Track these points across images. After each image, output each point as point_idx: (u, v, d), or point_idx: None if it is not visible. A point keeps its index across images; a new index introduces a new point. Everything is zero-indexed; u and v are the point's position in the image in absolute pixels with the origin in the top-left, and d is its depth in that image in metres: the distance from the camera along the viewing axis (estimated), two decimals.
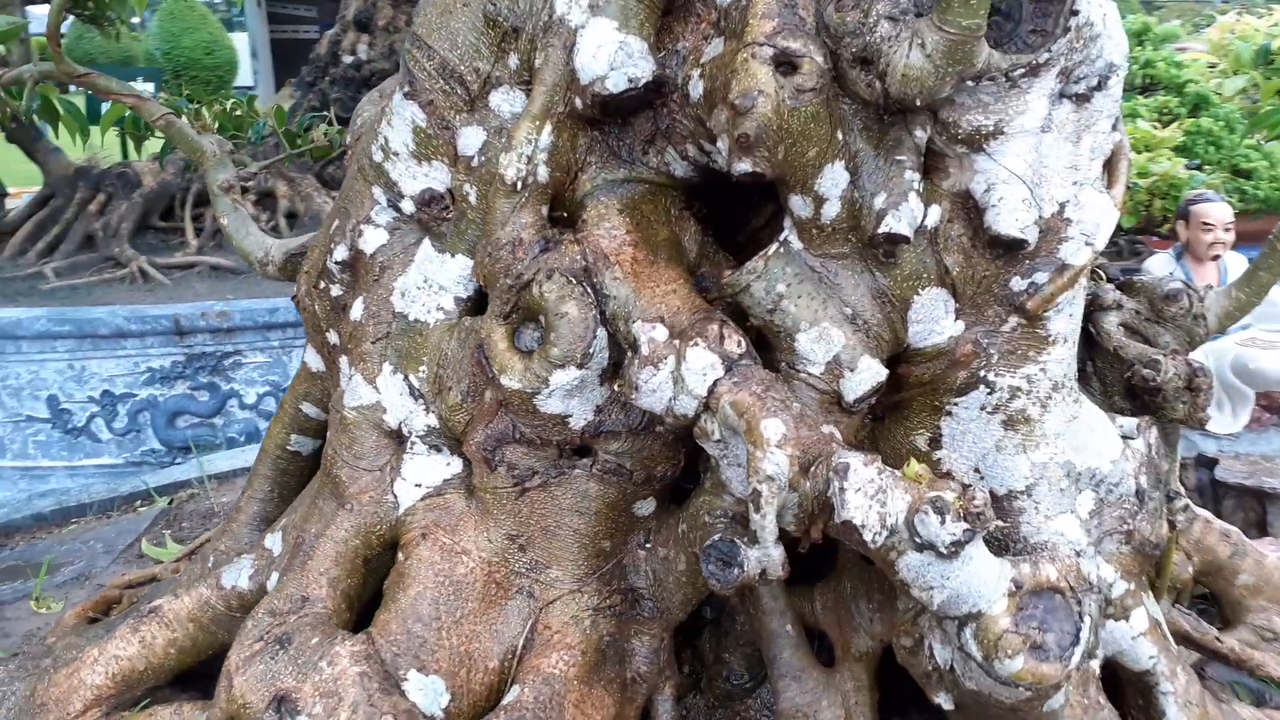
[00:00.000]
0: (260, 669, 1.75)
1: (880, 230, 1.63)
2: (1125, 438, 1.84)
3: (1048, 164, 1.67)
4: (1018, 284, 1.71)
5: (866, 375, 1.68)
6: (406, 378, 1.93)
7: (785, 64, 1.60)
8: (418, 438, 1.93)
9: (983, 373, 1.74)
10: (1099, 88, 1.65)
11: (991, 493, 1.78)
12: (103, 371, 5.44)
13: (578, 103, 1.76)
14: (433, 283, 1.93)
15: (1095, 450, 1.79)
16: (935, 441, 1.81)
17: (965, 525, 1.48)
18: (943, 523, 1.48)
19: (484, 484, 1.86)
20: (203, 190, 6.84)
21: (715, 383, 1.60)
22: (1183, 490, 2.43)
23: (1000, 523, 1.78)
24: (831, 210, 1.68)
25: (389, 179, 1.94)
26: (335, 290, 2.06)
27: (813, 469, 1.57)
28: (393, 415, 1.95)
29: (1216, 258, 3.29)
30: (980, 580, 1.52)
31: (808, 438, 1.61)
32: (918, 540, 1.50)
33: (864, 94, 1.62)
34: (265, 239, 2.58)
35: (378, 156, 1.96)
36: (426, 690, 1.73)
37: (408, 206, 1.94)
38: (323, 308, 2.08)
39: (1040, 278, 1.70)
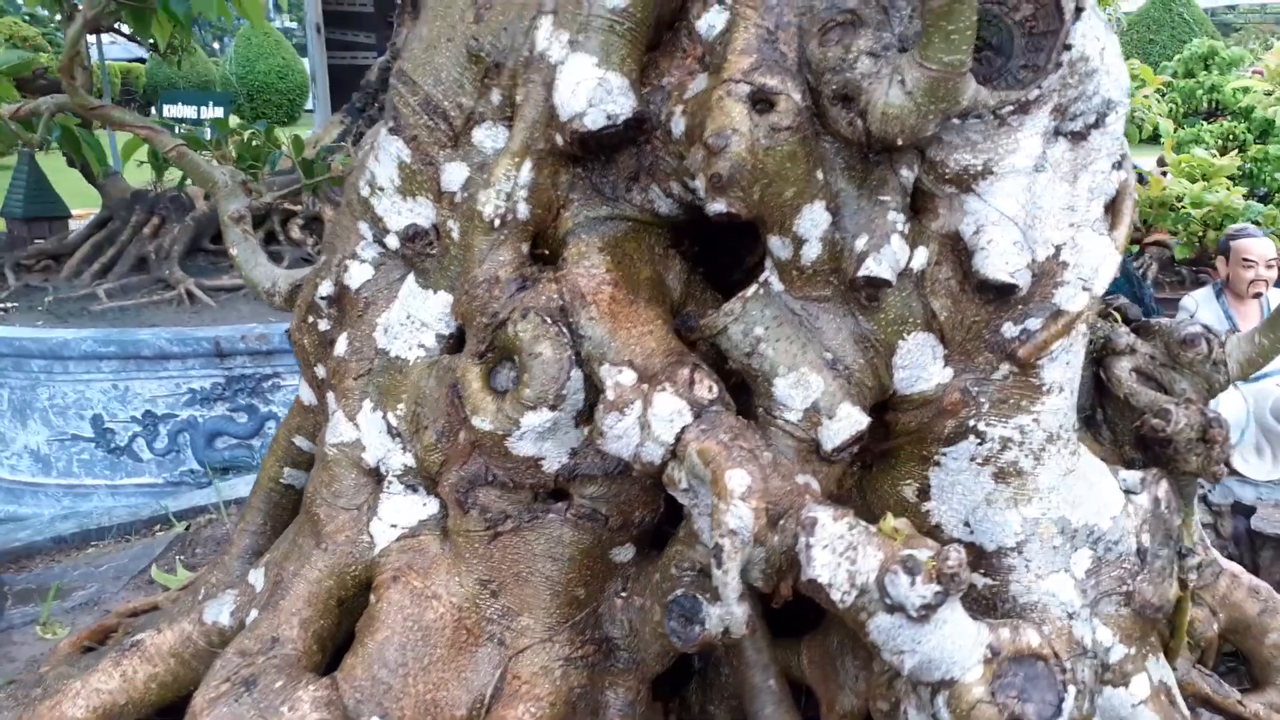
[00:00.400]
0: (224, 711, 1.72)
1: (860, 273, 1.57)
2: (1128, 492, 1.74)
3: (1042, 205, 1.59)
4: (1010, 330, 1.63)
5: (846, 423, 1.61)
6: (385, 416, 1.90)
7: (762, 101, 1.54)
8: (395, 477, 1.90)
9: (972, 422, 1.66)
10: (1096, 125, 1.57)
11: (981, 549, 1.70)
12: (145, 392, 5.53)
13: (558, 139, 1.72)
14: (415, 319, 1.90)
15: (1094, 506, 1.69)
16: (924, 492, 1.73)
17: (937, 587, 1.40)
18: (913, 584, 1.40)
19: (457, 527, 1.82)
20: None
21: (683, 429, 1.54)
22: (1205, 543, 2.30)
23: (989, 581, 1.69)
24: (812, 252, 1.61)
25: (375, 214, 1.93)
26: (323, 325, 2.04)
27: (781, 522, 1.50)
28: (371, 454, 1.92)
29: (1258, 295, 3.14)
30: (954, 645, 1.44)
31: (779, 489, 1.54)
32: (888, 601, 1.43)
33: (846, 133, 1.56)
34: (273, 269, 2.58)
35: (364, 191, 1.94)
36: None
37: (392, 242, 1.92)
38: (311, 342, 2.07)
39: (1033, 324, 1.62)
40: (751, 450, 1.52)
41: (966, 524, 1.71)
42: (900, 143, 1.52)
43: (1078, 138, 1.57)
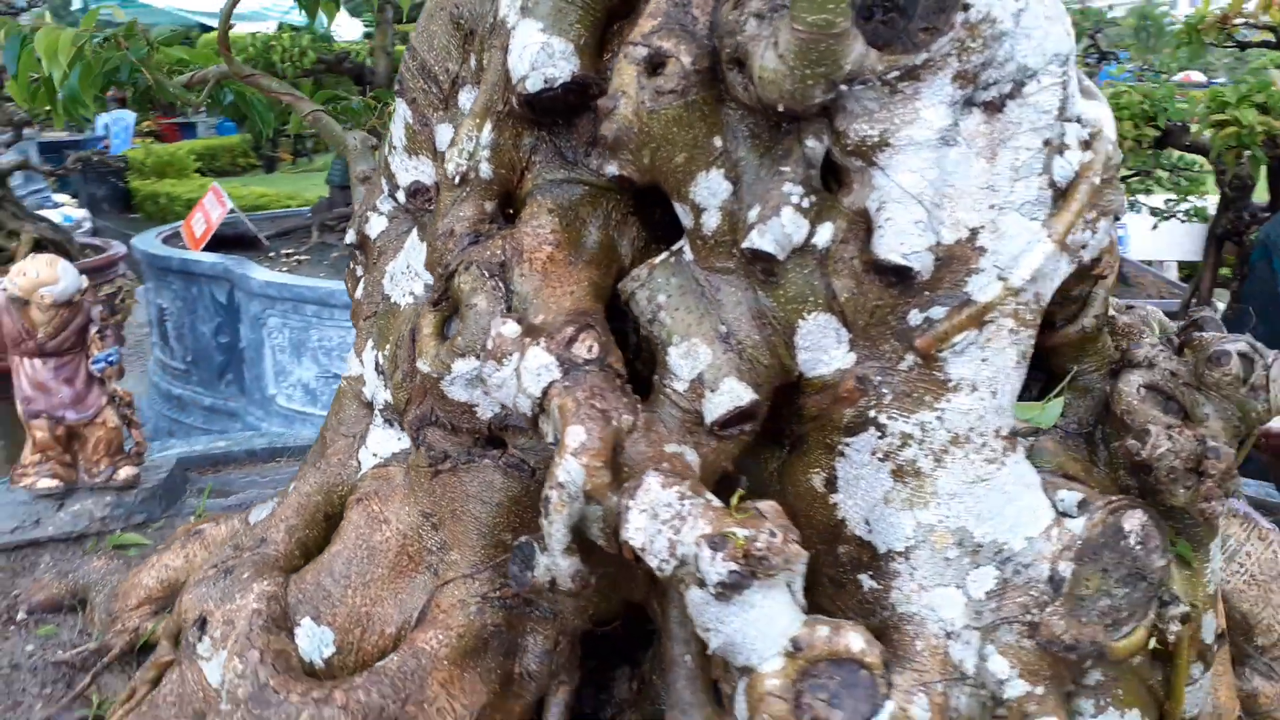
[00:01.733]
0: (203, 591, 1.98)
1: (744, 245, 1.52)
2: (1065, 514, 1.55)
3: (955, 183, 1.45)
4: (915, 318, 1.51)
5: (726, 398, 1.56)
6: (378, 355, 2.08)
7: (659, 64, 1.54)
8: (379, 411, 2.07)
9: (873, 413, 1.55)
10: (1012, 95, 1.42)
11: (874, 549, 1.58)
12: None
13: (514, 102, 1.80)
14: (412, 269, 2.06)
15: (1007, 522, 1.52)
16: (831, 484, 1.64)
17: (735, 566, 1.34)
18: (713, 560, 1.36)
19: (413, 461, 1.96)
20: None
21: (550, 384, 1.58)
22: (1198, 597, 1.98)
23: (874, 585, 1.58)
24: (711, 221, 1.58)
25: (390, 170, 2.11)
26: (358, 271, 2.26)
27: (627, 484, 1.50)
28: (368, 388, 2.12)
29: None
30: (757, 632, 1.37)
31: (641, 454, 1.54)
32: (698, 576, 1.39)
33: (743, 98, 1.52)
34: None
35: (385, 150, 2.13)
36: (313, 638, 1.86)
37: (401, 197, 2.09)
38: (350, 286, 2.30)
39: (937, 313, 1.49)
40: (604, 411, 1.53)
41: (867, 521, 1.60)
42: (782, 108, 1.45)
43: (992, 109, 1.42)
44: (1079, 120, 1.51)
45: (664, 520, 1.43)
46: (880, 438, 1.55)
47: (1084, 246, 1.56)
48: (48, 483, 3.07)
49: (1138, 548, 1.57)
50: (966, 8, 1.36)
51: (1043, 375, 1.86)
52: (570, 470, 1.47)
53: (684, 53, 1.52)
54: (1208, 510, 1.59)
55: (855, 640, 1.37)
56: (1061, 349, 1.80)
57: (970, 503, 1.52)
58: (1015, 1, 1.38)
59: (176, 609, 2.04)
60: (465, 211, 1.86)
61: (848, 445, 1.59)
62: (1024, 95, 1.41)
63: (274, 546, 2.06)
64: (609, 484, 1.49)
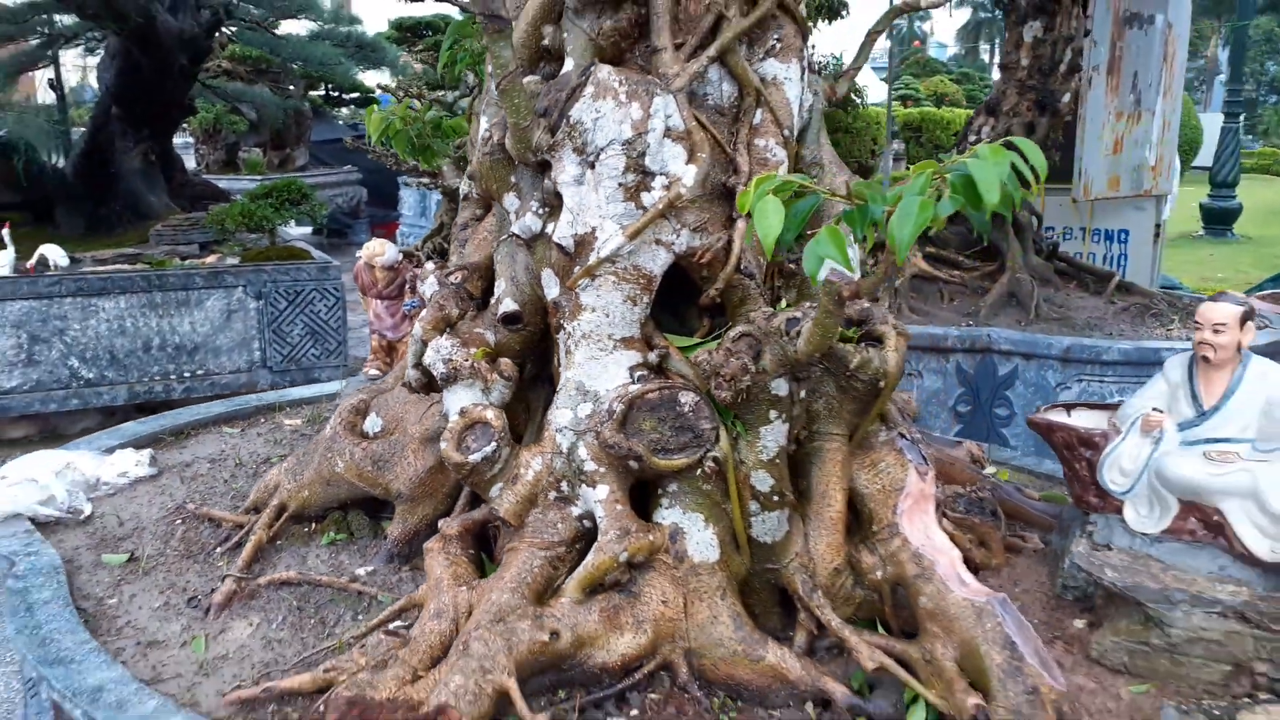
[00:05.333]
0: (344, 399, 3.91)
1: (511, 232, 3.07)
2: (632, 383, 2.84)
3: (585, 203, 2.87)
4: (574, 273, 2.92)
5: (503, 306, 3.11)
6: None
7: (489, 138, 3.14)
8: None
9: (562, 322, 2.99)
10: (597, 159, 2.80)
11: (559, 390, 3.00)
12: None
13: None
14: None
15: (602, 383, 2.87)
16: (558, 361, 3.08)
17: (443, 370, 2.92)
18: (438, 367, 2.94)
19: None
20: None
21: (432, 293, 3.24)
22: (895, 511, 2.96)
23: (552, 408, 3.00)
24: (513, 219, 3.14)
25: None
26: None
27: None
28: None
29: (1205, 359, 2.92)
30: (454, 403, 2.92)
31: (465, 330, 3.15)
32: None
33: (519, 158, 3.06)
34: None
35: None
36: (372, 422, 3.68)
37: None
38: None
39: (577, 269, 2.89)
40: (442, 305, 3.15)
41: (567, 381, 3.02)
42: (517, 163, 2.98)
43: (592, 166, 2.81)
44: (664, 174, 2.82)
45: (441, 355, 3.02)
46: (564, 335, 2.98)
47: (672, 244, 2.86)
48: (374, 372, 5.31)
49: (690, 413, 2.82)
50: (568, 116, 2.79)
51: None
52: (418, 329, 3.13)
53: (495, 132, 3.10)
54: (718, 396, 2.77)
55: (490, 414, 2.86)
56: (726, 311, 3.03)
57: (586, 369, 2.90)
58: (595, 113, 2.77)
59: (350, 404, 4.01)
60: (466, 214, 3.59)
61: (558, 339, 3.04)
62: (601, 160, 2.78)
63: (385, 383, 3.94)
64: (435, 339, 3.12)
